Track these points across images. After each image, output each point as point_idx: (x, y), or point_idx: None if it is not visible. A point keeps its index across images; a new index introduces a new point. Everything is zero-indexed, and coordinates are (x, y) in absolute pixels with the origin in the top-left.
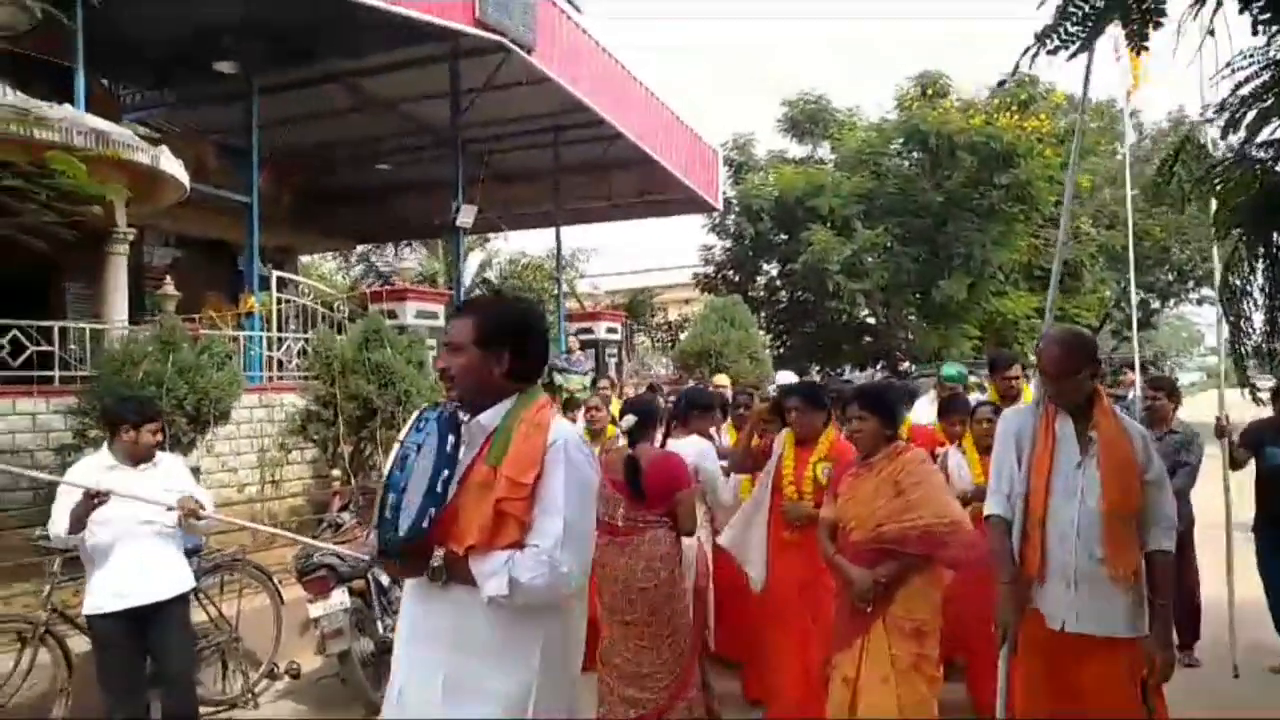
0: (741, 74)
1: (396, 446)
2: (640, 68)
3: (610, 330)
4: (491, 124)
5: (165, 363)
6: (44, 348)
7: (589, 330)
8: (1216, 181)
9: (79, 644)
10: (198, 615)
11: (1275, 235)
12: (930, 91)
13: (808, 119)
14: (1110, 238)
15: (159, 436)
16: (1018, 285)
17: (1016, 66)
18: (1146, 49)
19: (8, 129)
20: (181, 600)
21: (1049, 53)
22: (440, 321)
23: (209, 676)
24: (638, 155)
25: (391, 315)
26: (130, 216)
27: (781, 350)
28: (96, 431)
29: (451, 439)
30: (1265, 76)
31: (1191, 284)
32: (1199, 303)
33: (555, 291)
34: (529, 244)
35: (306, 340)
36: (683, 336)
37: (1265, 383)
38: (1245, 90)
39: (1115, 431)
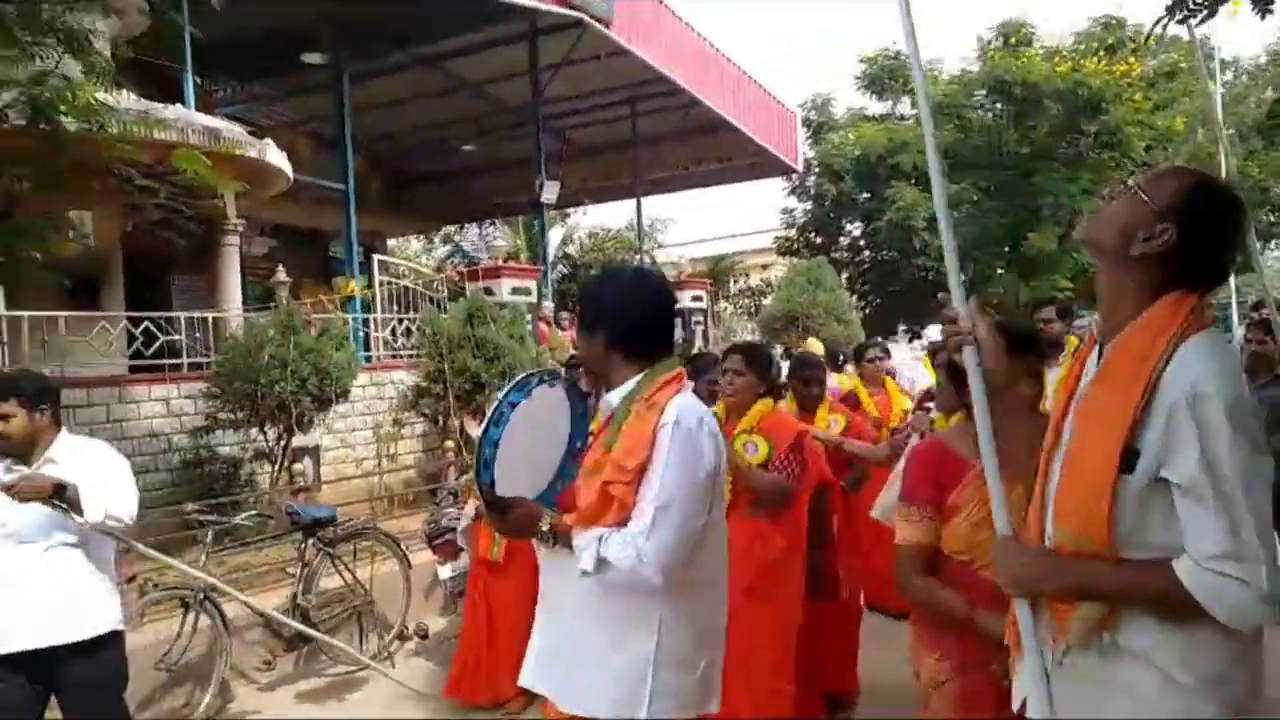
0: (820, 53)
1: (493, 404)
2: (717, 36)
3: (695, 299)
4: (569, 99)
5: (287, 346)
6: (173, 337)
7: (698, 296)
8: None
9: (232, 609)
10: (333, 581)
11: None
12: (1014, 40)
13: (887, 74)
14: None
15: (18, 420)
16: None
17: (1148, 37)
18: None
19: (133, 131)
20: (94, 648)
21: (1179, 22)
22: (533, 296)
23: (345, 638)
24: (715, 121)
25: (488, 292)
26: (237, 209)
27: (868, 311)
28: (226, 414)
29: (579, 408)
30: None
31: None
32: None
33: (636, 263)
34: (606, 217)
35: (410, 320)
36: (766, 301)
37: None
38: None
39: (1124, 371)
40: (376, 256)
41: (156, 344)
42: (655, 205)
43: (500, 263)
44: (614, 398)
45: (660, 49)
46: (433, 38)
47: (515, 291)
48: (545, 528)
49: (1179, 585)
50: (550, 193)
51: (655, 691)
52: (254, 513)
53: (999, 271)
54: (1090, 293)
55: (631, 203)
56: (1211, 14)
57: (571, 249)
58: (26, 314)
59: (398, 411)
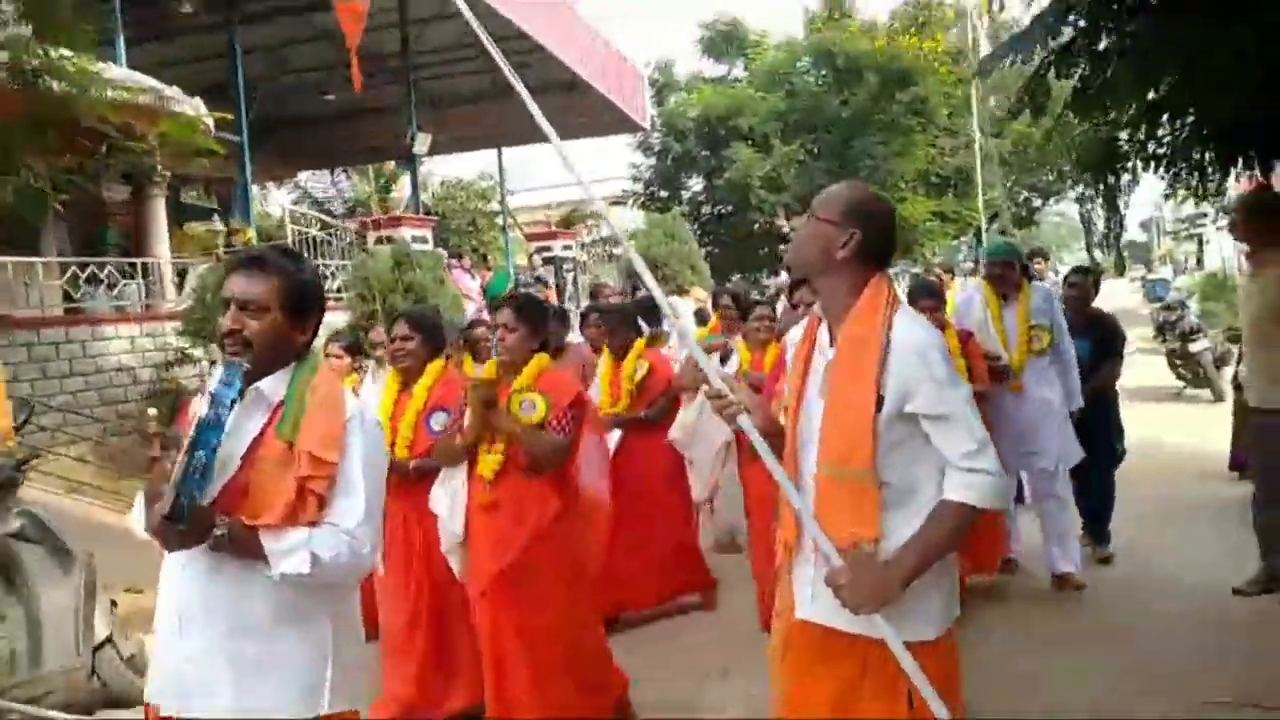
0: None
1: (205, 400)
2: None
3: (565, 248)
4: (429, 52)
5: None
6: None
7: (548, 249)
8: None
9: None
10: None
11: (1109, 178)
12: (837, 14)
13: (723, 40)
14: (999, 145)
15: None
16: (916, 191)
17: None
18: None
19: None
20: None
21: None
22: (430, 245)
23: None
24: (571, 79)
25: (389, 240)
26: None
27: (708, 261)
28: (196, 350)
29: (228, 396)
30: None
31: (1069, 183)
32: (1078, 200)
33: (486, 211)
34: (457, 168)
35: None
36: (617, 250)
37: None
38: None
39: (860, 340)
40: (287, 206)
41: (102, 287)
42: (506, 157)
43: (401, 213)
44: (273, 385)
45: (518, 6)
46: None
47: (415, 240)
48: (221, 533)
49: (961, 505)
50: (422, 145)
51: (334, 684)
52: None
53: None
54: (902, 244)
55: (481, 154)
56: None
57: (424, 197)
58: (9, 259)
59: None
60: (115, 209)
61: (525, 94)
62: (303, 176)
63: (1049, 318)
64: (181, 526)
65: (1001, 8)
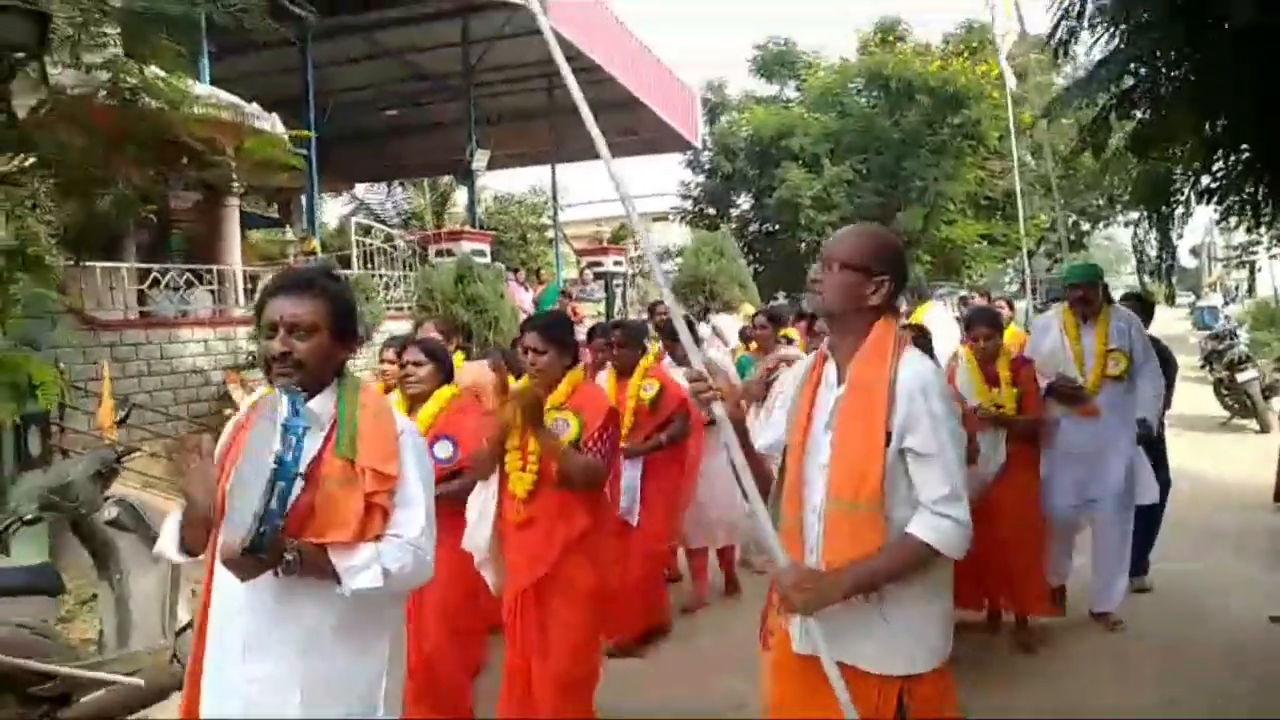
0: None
1: (279, 426)
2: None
3: (616, 263)
4: (488, 70)
5: None
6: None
7: (599, 263)
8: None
9: None
10: None
11: (1163, 208)
12: (890, 37)
13: (776, 61)
14: (1046, 168)
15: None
16: (964, 214)
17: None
18: None
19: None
20: None
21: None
22: (488, 259)
23: None
24: (625, 97)
25: (449, 253)
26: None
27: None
28: None
29: (293, 418)
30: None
31: (1119, 208)
32: (1126, 225)
33: (537, 225)
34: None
35: (392, 277)
36: (665, 267)
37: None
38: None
39: (870, 378)
40: (355, 219)
41: (178, 293)
42: (559, 173)
43: (462, 227)
44: (322, 404)
45: (578, 28)
46: (365, 7)
47: (474, 254)
48: (291, 558)
49: (921, 543)
50: (481, 161)
51: (388, 693)
52: None
53: None
54: (948, 265)
55: (532, 170)
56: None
57: (478, 211)
58: (99, 265)
59: None
60: (181, 217)
61: (586, 111)
62: (360, 188)
63: (1129, 342)
64: (263, 556)
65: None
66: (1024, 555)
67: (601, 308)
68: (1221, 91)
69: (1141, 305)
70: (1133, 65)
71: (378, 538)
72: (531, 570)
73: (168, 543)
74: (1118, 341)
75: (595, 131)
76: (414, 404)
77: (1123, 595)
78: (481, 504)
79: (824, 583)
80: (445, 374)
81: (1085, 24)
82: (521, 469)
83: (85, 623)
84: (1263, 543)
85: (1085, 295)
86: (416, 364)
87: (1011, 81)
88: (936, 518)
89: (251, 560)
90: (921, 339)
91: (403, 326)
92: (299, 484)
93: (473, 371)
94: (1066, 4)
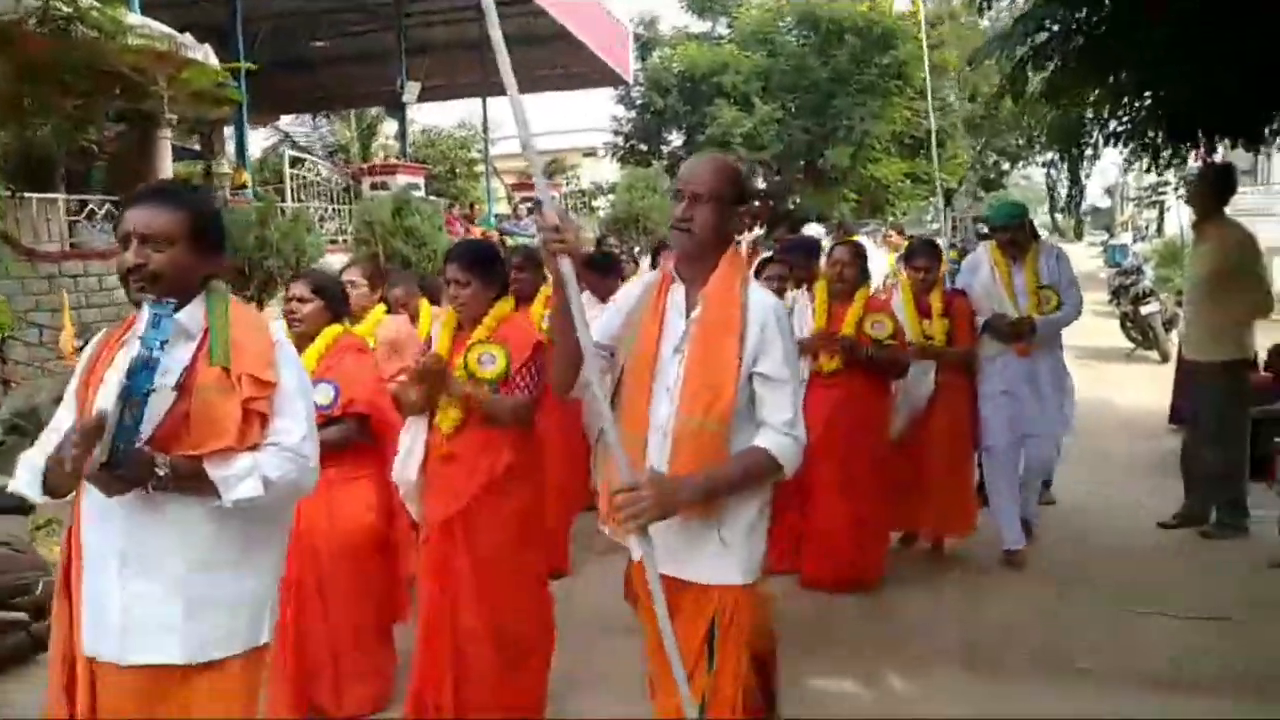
0: None
1: (135, 346)
2: None
3: (551, 198)
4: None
5: (269, 229)
6: None
7: (531, 198)
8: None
9: None
10: None
11: (1074, 150)
12: None
13: None
14: (972, 110)
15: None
16: (890, 153)
17: None
18: None
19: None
20: None
21: None
22: (422, 192)
23: None
24: (557, 31)
25: (384, 186)
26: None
27: None
28: None
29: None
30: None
31: (1037, 148)
32: (1043, 165)
33: (466, 160)
34: (434, 117)
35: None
36: (595, 203)
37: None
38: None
39: (724, 305)
40: (287, 151)
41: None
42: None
43: (394, 160)
44: (191, 315)
45: None
46: None
47: (410, 187)
48: (164, 472)
49: (769, 455)
50: (411, 93)
51: (271, 612)
52: None
53: (798, 180)
54: (874, 203)
55: (458, 103)
56: None
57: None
58: (35, 196)
59: None
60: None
61: (498, 41)
62: (284, 120)
63: (1058, 277)
64: (121, 471)
65: None
66: (951, 479)
67: (533, 241)
68: (1124, 48)
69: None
70: (1046, 22)
71: (256, 447)
72: (445, 506)
73: (26, 481)
74: (1048, 278)
75: (504, 63)
76: (300, 344)
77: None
78: (412, 437)
79: (673, 485)
80: (334, 312)
81: None
82: (446, 405)
83: (44, 547)
84: (1155, 462)
85: (1013, 237)
86: (301, 300)
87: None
88: (782, 435)
89: (110, 476)
90: (858, 257)
91: (340, 259)
92: (171, 395)
93: (392, 326)
94: None
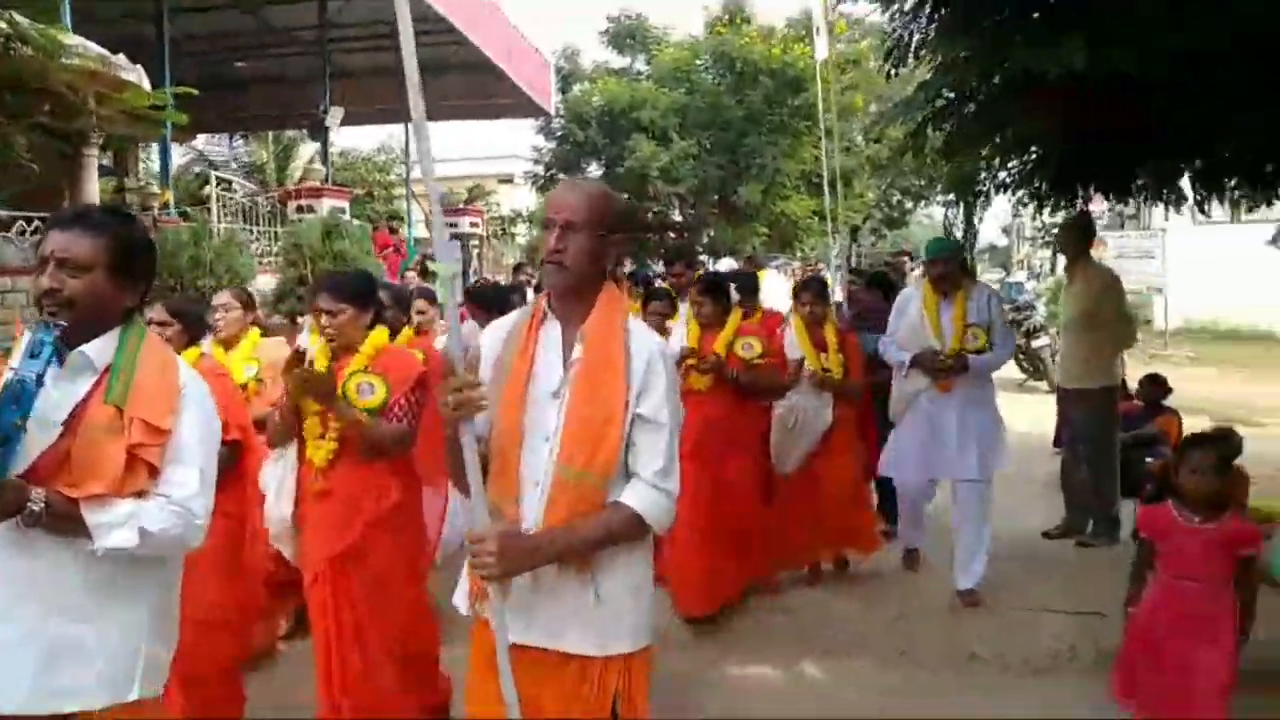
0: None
1: (7, 373)
2: None
3: (472, 224)
4: (342, 25)
5: (203, 250)
6: None
7: (454, 224)
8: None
9: None
10: None
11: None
12: (736, 18)
13: (628, 34)
14: (876, 150)
15: None
16: (799, 190)
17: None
18: None
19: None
20: None
21: None
22: (347, 216)
23: None
24: (481, 60)
25: (309, 210)
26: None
27: None
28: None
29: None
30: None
31: (938, 188)
32: (943, 205)
33: (385, 183)
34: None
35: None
36: (516, 230)
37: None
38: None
39: (607, 343)
40: (214, 173)
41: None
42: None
43: (320, 184)
44: (100, 349)
45: None
46: None
47: (334, 211)
48: (38, 507)
49: (635, 516)
50: (334, 118)
51: (146, 666)
52: None
53: (712, 214)
54: (783, 238)
55: (376, 128)
56: None
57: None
58: None
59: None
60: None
61: (412, 68)
62: (199, 139)
63: (988, 317)
64: None
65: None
66: (852, 505)
67: (457, 268)
68: (1011, 113)
69: (883, 286)
70: (943, 90)
71: (143, 494)
72: (329, 545)
73: None
74: (976, 317)
75: (414, 89)
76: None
77: (982, 571)
78: (280, 475)
79: (526, 544)
80: (191, 335)
81: (911, 56)
82: (321, 436)
83: None
84: (1040, 481)
85: (944, 271)
86: (162, 324)
87: (822, 52)
88: (652, 490)
89: None
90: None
91: (271, 281)
92: (56, 429)
93: (270, 349)
94: (896, 38)
